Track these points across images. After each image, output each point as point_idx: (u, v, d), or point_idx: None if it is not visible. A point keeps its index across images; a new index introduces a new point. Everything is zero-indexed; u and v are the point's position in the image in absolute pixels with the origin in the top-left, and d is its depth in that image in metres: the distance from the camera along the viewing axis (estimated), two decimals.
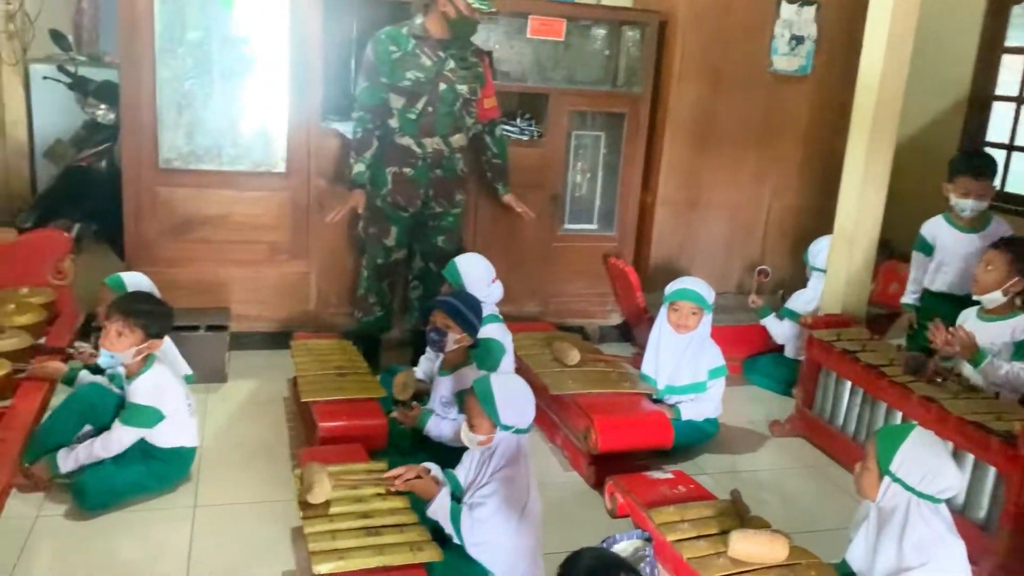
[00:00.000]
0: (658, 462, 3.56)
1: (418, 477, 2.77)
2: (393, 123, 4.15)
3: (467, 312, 3.41)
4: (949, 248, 4.14)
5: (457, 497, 2.76)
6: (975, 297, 3.62)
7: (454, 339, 3.40)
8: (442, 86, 4.13)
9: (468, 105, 4.24)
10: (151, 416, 3.16)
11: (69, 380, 3.44)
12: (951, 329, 3.41)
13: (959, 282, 4.11)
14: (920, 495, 2.34)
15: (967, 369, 3.50)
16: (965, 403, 3.20)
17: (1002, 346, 3.43)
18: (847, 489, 3.60)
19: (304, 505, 2.66)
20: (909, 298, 4.38)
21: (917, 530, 2.33)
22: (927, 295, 4.29)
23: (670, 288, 3.88)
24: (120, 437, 3.13)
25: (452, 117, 4.19)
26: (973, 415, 3.07)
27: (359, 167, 4.16)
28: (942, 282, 4.18)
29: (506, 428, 2.67)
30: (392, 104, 4.13)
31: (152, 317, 3.20)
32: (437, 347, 3.44)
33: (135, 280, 3.63)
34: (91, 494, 3.06)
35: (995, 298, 3.46)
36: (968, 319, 3.61)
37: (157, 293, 3.61)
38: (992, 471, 3.02)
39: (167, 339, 3.59)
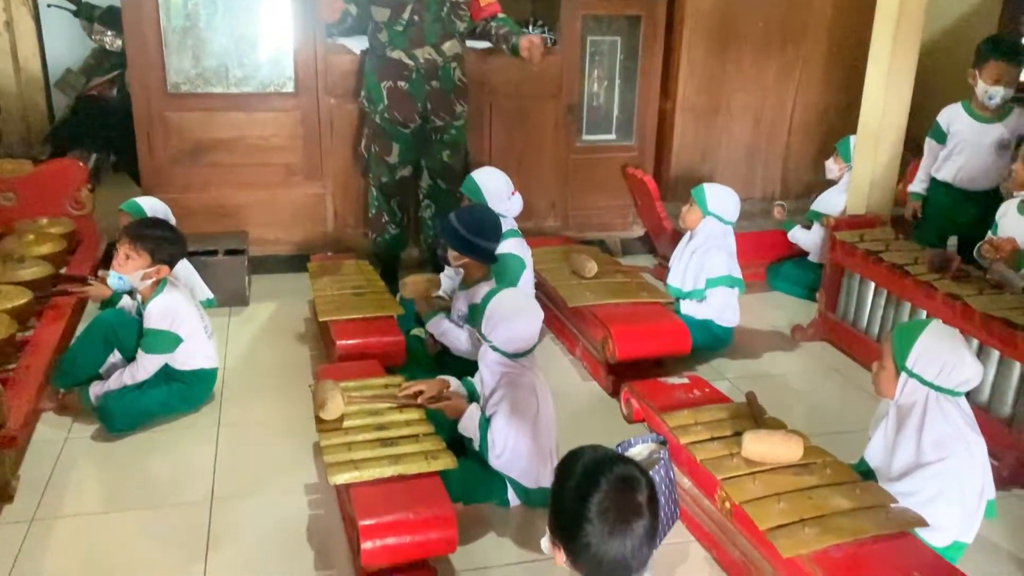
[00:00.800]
0: (676, 368, 3.55)
1: (440, 394, 2.80)
2: (382, 37, 4.02)
3: (472, 238, 3.28)
4: (965, 137, 3.99)
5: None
6: (1015, 193, 3.48)
7: (453, 257, 3.38)
8: None
9: (457, 9, 4.05)
10: (169, 341, 3.20)
11: (108, 304, 3.50)
12: (993, 240, 3.28)
13: (969, 175, 3.99)
14: (939, 389, 2.30)
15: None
16: (990, 299, 3.13)
17: None
18: (870, 391, 3.55)
19: (319, 420, 2.69)
20: (917, 186, 4.24)
21: (936, 425, 2.30)
22: (934, 184, 4.16)
23: None
24: (145, 365, 3.19)
25: (440, 23, 4.02)
26: (999, 311, 3.00)
27: None
28: (949, 172, 4.05)
29: (486, 340, 2.68)
30: (377, 17, 3.98)
31: (159, 242, 3.21)
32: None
33: (151, 204, 3.64)
34: (117, 417, 3.13)
35: None
36: (1008, 212, 3.49)
37: (172, 218, 3.62)
38: (1018, 367, 2.97)
39: (187, 264, 3.62)
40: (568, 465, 1.54)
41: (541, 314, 2.74)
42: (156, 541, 2.63)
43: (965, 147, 4.00)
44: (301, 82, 4.43)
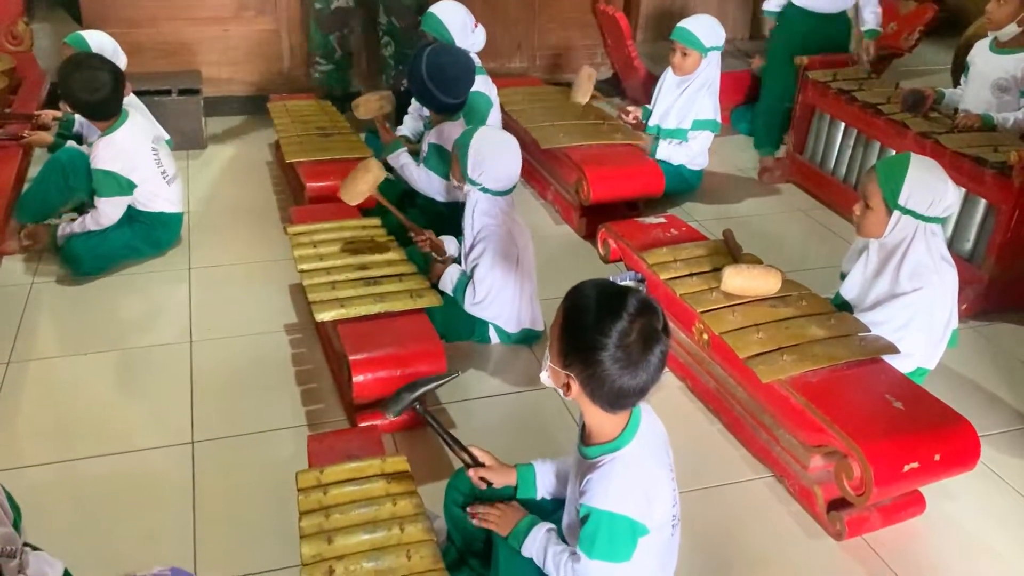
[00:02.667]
0: (647, 212, 3.57)
1: (440, 249, 2.81)
2: None
3: (437, 93, 3.12)
4: None
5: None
6: (988, 32, 3.45)
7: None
8: None
9: None
10: (119, 183, 3.07)
11: (54, 148, 3.37)
12: (964, 119, 3.28)
13: None
14: (929, 219, 2.35)
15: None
16: (961, 136, 3.16)
17: (1012, 80, 3.32)
18: (836, 231, 3.66)
19: (302, 259, 2.67)
20: (773, 5, 4.14)
21: (915, 255, 2.36)
22: (789, 7, 4.07)
23: (677, 24, 3.75)
24: (104, 210, 3.09)
25: None
26: (969, 148, 3.04)
27: None
28: None
29: (474, 183, 2.64)
30: None
31: (83, 110, 3.08)
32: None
33: (98, 39, 3.41)
34: (83, 259, 3.06)
35: (1010, 30, 3.30)
36: (980, 52, 3.47)
37: (121, 55, 3.41)
38: (982, 203, 3.04)
39: (139, 107, 3.44)
40: (579, 298, 1.51)
41: (518, 145, 2.70)
42: (139, 380, 2.64)
43: None
44: None
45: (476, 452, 1.81)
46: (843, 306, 2.54)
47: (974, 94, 3.43)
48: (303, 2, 4.31)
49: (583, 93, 3.83)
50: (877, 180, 2.37)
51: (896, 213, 2.33)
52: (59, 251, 3.10)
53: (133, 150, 3.10)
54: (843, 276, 2.69)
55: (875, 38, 4.08)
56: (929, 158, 2.44)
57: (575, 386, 1.51)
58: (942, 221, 2.37)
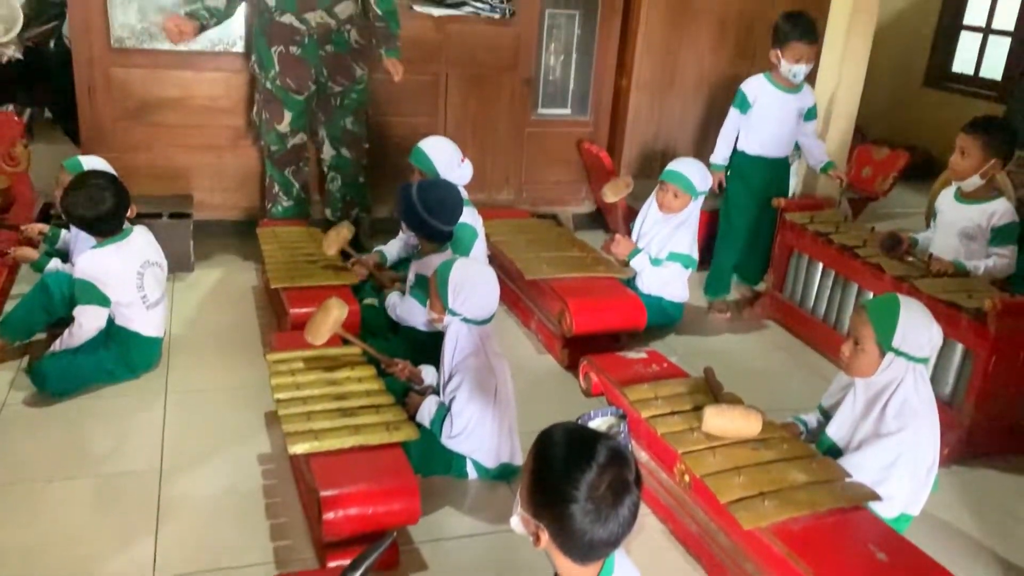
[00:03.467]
0: (630, 344, 3.58)
1: (416, 377, 2.80)
2: (270, 0, 3.87)
3: (429, 219, 3.22)
4: (770, 107, 4.05)
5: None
6: (952, 182, 3.58)
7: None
8: None
9: None
10: (96, 293, 3.07)
11: (39, 267, 3.38)
12: (937, 264, 3.39)
13: (774, 142, 4.10)
14: (919, 360, 2.37)
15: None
16: (936, 281, 3.22)
17: (977, 229, 3.43)
18: (816, 369, 3.67)
19: (279, 388, 2.64)
20: (719, 158, 4.27)
21: (903, 395, 2.37)
22: (741, 156, 4.21)
23: (668, 166, 3.87)
24: (83, 321, 3.07)
25: None
26: (944, 293, 3.10)
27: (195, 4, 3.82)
28: (755, 141, 4.12)
29: (454, 314, 2.65)
30: None
31: (84, 224, 3.10)
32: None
33: (93, 164, 3.48)
34: (51, 378, 3.02)
35: (974, 181, 3.43)
36: (946, 201, 3.59)
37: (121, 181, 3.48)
38: (960, 348, 3.07)
39: (138, 228, 3.49)
40: (547, 446, 1.48)
41: (496, 276, 2.74)
42: (104, 511, 2.55)
43: (770, 117, 4.06)
44: (251, 43, 4.28)
45: None
46: (831, 448, 2.51)
47: (942, 241, 3.53)
48: (252, 140, 4.43)
49: (610, 196, 4.05)
50: (870, 322, 2.38)
51: (889, 355, 2.35)
52: (27, 370, 3.06)
53: (113, 270, 3.10)
54: (821, 410, 2.68)
55: (834, 168, 4.19)
56: (915, 300, 2.48)
57: (544, 536, 1.47)
58: (928, 361, 2.39)
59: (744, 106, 4.11)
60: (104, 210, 3.06)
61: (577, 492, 1.41)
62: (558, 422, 1.56)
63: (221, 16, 3.90)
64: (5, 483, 2.60)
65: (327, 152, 4.28)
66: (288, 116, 4.06)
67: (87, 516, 2.52)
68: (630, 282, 3.82)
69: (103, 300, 3.08)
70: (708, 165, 3.99)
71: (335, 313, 2.73)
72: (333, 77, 4.05)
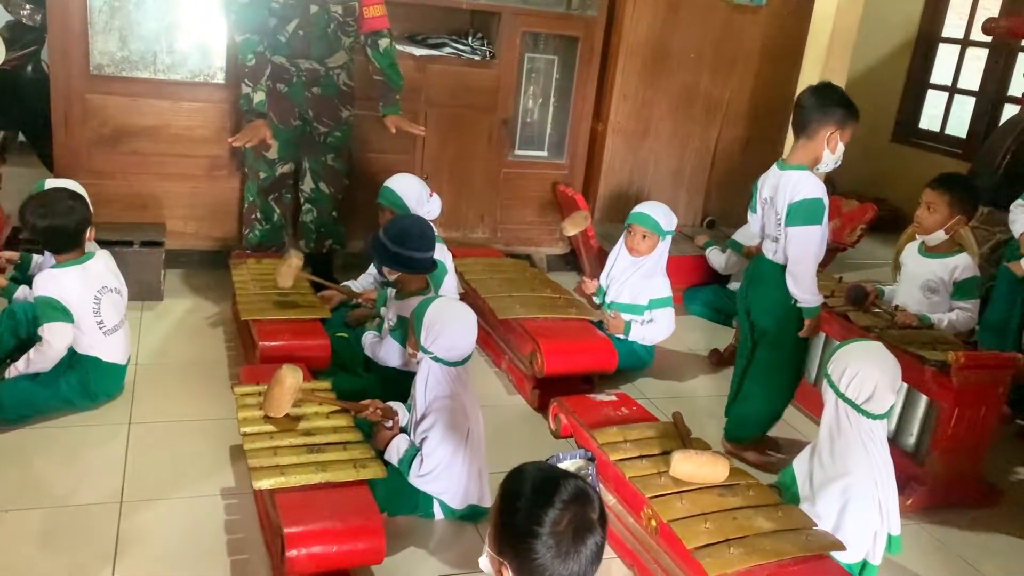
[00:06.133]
0: (601, 386, 3.59)
1: (388, 414, 2.77)
2: (264, 40, 3.89)
3: (403, 252, 3.17)
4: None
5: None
6: (917, 236, 3.66)
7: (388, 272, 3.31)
8: (313, 8, 3.85)
9: (344, 26, 3.95)
10: (60, 310, 3.02)
11: (8, 294, 3.34)
12: (899, 310, 3.47)
13: None
14: (849, 403, 2.44)
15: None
16: (902, 333, 3.28)
17: (940, 282, 3.50)
18: (783, 417, 3.69)
19: (245, 421, 2.61)
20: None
21: (843, 441, 2.44)
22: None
23: (633, 210, 3.92)
24: (48, 339, 3.01)
25: (326, 39, 3.94)
26: (910, 345, 3.15)
27: (258, 96, 3.88)
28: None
29: (427, 352, 2.65)
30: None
31: (38, 236, 3.08)
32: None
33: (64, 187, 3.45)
34: (6, 406, 2.96)
35: (938, 236, 3.52)
36: (910, 254, 3.67)
37: (87, 201, 3.45)
38: (924, 400, 3.11)
39: (100, 253, 3.45)
40: (514, 483, 1.50)
41: (475, 318, 2.73)
42: (60, 543, 2.48)
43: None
44: (231, 73, 4.30)
45: None
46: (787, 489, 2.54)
47: (906, 293, 3.61)
48: (236, 167, 4.42)
49: (569, 230, 4.26)
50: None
51: (835, 399, 2.41)
52: None
53: (70, 292, 3.05)
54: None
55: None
56: (876, 349, 2.53)
57: (507, 574, 1.47)
58: (877, 416, 2.43)
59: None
60: (62, 223, 3.02)
61: (539, 528, 1.42)
62: (526, 463, 1.56)
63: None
64: None
65: (307, 184, 4.28)
66: (276, 145, 4.07)
67: (42, 549, 2.46)
68: (601, 325, 3.85)
69: (67, 316, 3.03)
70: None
71: (289, 381, 2.58)
72: (319, 118, 4.09)
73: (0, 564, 2.35)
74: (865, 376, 2.39)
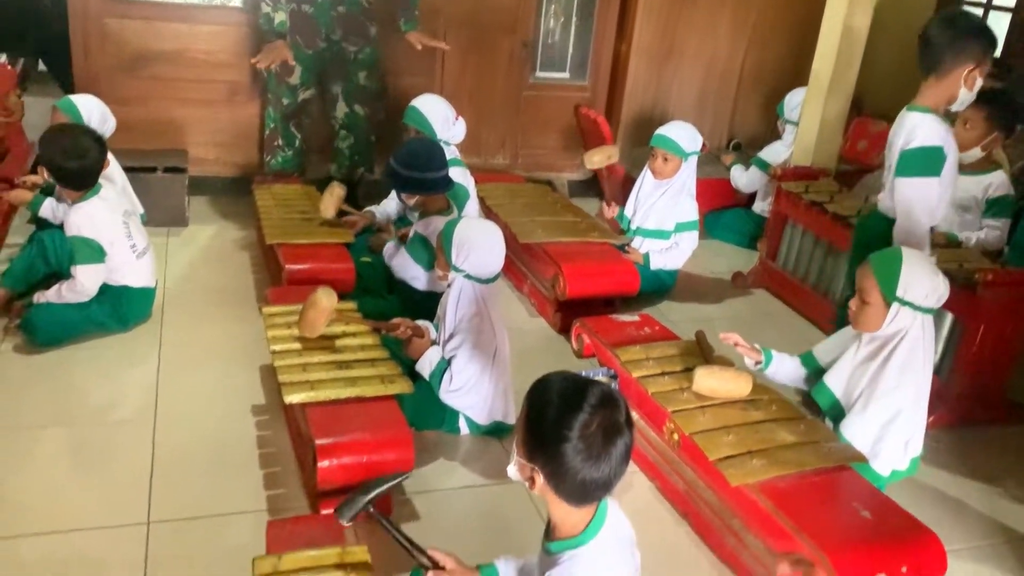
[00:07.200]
0: (622, 310, 3.60)
1: (418, 331, 2.78)
2: None
3: (418, 175, 3.21)
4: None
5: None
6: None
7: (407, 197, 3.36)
8: None
9: None
10: (94, 249, 3.06)
11: (35, 206, 3.39)
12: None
13: None
14: (926, 311, 2.40)
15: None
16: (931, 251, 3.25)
17: (973, 200, 3.45)
18: (806, 337, 3.70)
19: (275, 340, 2.65)
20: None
21: (906, 347, 2.40)
22: None
23: (656, 132, 3.87)
24: (81, 279, 3.06)
25: None
26: (936, 263, 3.11)
27: (279, 16, 3.85)
28: None
29: (458, 271, 2.66)
30: None
31: (61, 176, 3.09)
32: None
33: (86, 103, 3.46)
34: (40, 328, 3.02)
35: (974, 154, 3.45)
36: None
37: (111, 118, 3.48)
38: (949, 317, 3.10)
39: (117, 179, 3.47)
40: (542, 391, 1.52)
41: (502, 236, 2.75)
42: (98, 456, 2.57)
43: None
44: None
45: (436, 555, 1.77)
46: (831, 401, 2.54)
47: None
48: (259, 92, 4.39)
49: (594, 162, 4.12)
50: (873, 274, 2.40)
51: (895, 305, 2.37)
52: (18, 320, 3.07)
53: (103, 220, 3.10)
54: (809, 359, 2.70)
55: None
56: (917, 251, 2.50)
57: (539, 479, 1.50)
58: (935, 312, 2.42)
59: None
60: (83, 164, 3.05)
61: (569, 432, 1.44)
62: (551, 372, 1.58)
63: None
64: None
65: (340, 109, 4.26)
66: (298, 70, 4.04)
67: (81, 463, 2.54)
68: (624, 248, 3.84)
69: (100, 255, 3.08)
70: None
71: (324, 303, 2.61)
72: (347, 36, 4.05)
73: (39, 479, 2.43)
74: (933, 281, 2.38)
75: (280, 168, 4.27)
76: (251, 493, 2.44)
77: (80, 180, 3.09)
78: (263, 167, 4.38)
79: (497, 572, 1.78)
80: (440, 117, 3.68)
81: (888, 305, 2.39)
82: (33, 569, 2.10)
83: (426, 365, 2.74)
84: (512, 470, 1.58)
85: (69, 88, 4.38)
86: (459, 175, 3.67)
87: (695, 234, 3.88)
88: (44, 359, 3.00)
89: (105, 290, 3.14)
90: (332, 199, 3.56)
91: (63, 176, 3.09)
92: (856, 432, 2.42)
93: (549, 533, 1.60)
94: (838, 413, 2.52)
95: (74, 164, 3.04)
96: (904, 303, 2.37)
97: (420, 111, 3.69)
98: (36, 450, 2.55)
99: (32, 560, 2.12)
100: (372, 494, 1.74)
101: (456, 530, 2.39)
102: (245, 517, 2.33)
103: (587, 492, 1.48)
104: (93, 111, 3.43)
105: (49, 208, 3.36)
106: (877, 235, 2.75)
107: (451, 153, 3.70)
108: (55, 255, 3.23)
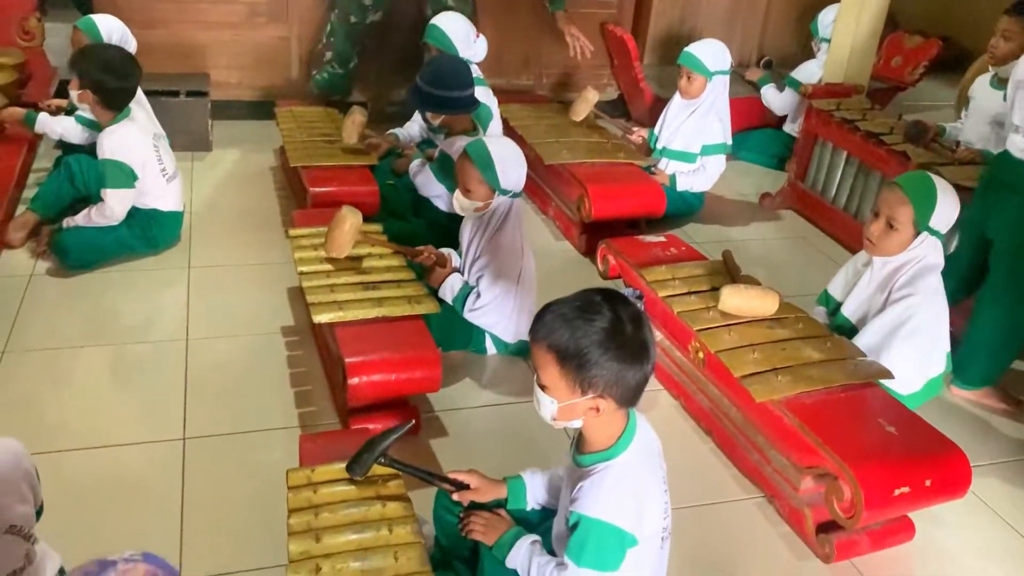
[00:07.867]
0: (647, 231, 3.58)
1: (442, 259, 2.79)
2: None
3: (446, 93, 3.17)
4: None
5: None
6: (990, 68, 3.47)
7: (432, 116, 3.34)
8: None
9: None
10: (124, 171, 3.07)
11: (29, 121, 3.41)
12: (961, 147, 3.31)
13: None
14: (941, 237, 2.39)
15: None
16: (961, 168, 3.18)
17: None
18: (834, 257, 3.67)
19: (302, 261, 2.67)
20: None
21: (919, 268, 2.38)
22: None
23: (684, 50, 3.78)
24: (110, 203, 3.08)
25: None
26: (968, 181, 3.05)
27: None
28: None
29: (504, 192, 2.65)
30: None
31: (103, 93, 3.06)
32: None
33: (107, 23, 3.43)
34: (71, 251, 3.06)
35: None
36: (981, 87, 3.50)
37: (131, 39, 3.44)
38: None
39: (142, 104, 3.46)
40: (559, 334, 1.49)
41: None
42: (133, 375, 2.63)
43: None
44: None
45: (460, 476, 1.80)
46: (846, 326, 2.53)
47: (973, 128, 3.47)
48: (328, 6, 4.31)
49: (579, 113, 3.91)
50: (911, 202, 2.34)
51: (924, 234, 2.35)
52: (48, 244, 3.11)
53: (135, 143, 3.11)
54: (827, 298, 2.68)
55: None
56: (937, 176, 2.46)
57: (605, 403, 1.51)
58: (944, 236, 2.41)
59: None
60: (126, 84, 3.07)
61: (611, 342, 1.46)
62: (548, 306, 1.55)
63: None
64: (37, 348, 2.68)
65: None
66: None
67: (117, 382, 2.61)
68: (650, 169, 3.79)
69: (131, 180, 3.09)
70: None
71: (350, 220, 2.60)
72: None
73: (77, 397, 2.50)
74: (950, 206, 2.36)
75: (326, 86, 4.22)
76: (283, 410, 2.49)
77: (121, 98, 3.09)
78: (308, 80, 4.30)
79: (524, 484, 1.81)
80: (461, 34, 3.62)
81: (917, 233, 2.36)
82: (74, 483, 2.17)
83: (447, 291, 2.75)
84: (559, 423, 1.56)
85: (89, 11, 4.33)
86: (482, 94, 3.61)
87: (722, 157, 3.81)
88: (77, 281, 3.05)
89: (135, 213, 3.17)
90: (354, 126, 3.53)
91: (105, 93, 3.06)
92: (862, 341, 2.41)
93: (580, 446, 1.62)
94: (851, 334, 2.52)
95: (117, 81, 3.05)
96: (932, 232, 2.35)
97: (441, 29, 3.62)
98: (74, 369, 2.61)
99: (73, 475, 2.19)
100: (379, 447, 1.76)
101: (482, 446, 2.43)
102: (277, 433, 2.39)
103: (639, 388, 1.52)
104: (113, 31, 3.40)
105: (47, 125, 3.38)
106: (1015, 180, 2.63)
107: (473, 72, 3.64)
108: (82, 179, 3.25)
